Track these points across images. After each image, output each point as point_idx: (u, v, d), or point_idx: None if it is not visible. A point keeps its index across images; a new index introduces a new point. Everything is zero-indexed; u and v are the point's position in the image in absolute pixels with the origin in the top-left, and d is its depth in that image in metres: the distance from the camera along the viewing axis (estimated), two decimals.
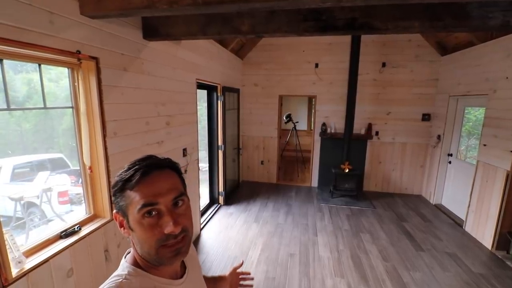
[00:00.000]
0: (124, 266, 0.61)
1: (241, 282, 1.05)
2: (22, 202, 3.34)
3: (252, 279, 1.08)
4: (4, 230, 1.27)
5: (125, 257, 0.65)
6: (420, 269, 2.86)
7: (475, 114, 5.83)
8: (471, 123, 5.86)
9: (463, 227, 3.75)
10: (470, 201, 3.63)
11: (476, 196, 3.51)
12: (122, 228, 0.61)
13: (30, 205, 3.55)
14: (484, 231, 3.35)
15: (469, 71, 3.86)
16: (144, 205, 0.55)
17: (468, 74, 3.88)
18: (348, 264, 2.95)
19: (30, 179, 3.70)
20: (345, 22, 1.78)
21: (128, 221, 0.58)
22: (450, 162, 4.45)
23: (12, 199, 3.24)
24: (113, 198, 0.60)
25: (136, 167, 0.57)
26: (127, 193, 0.56)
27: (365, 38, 4.73)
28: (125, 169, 0.59)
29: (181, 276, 0.68)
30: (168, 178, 0.60)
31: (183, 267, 0.71)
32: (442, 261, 3.01)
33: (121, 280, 0.57)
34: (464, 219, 3.78)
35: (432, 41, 4.57)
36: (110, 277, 0.59)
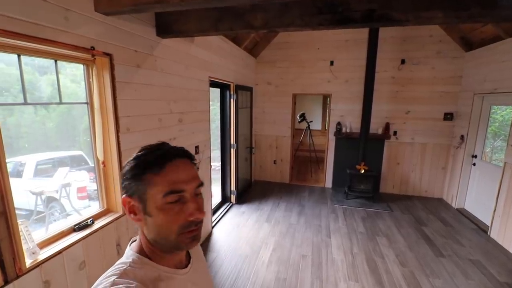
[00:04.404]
0: (129, 254, 0.60)
1: None
2: (42, 196, 3.47)
3: None
4: (19, 221, 1.30)
5: (130, 246, 0.64)
6: (440, 276, 2.71)
7: (502, 114, 5.50)
8: (497, 123, 5.53)
9: (488, 233, 3.53)
10: (496, 206, 3.41)
11: (503, 200, 3.29)
12: (131, 214, 0.59)
13: (50, 199, 3.69)
14: (511, 237, 3.13)
15: (496, 67, 3.63)
16: (172, 191, 0.55)
17: (495, 70, 3.64)
18: (363, 268, 2.84)
19: (51, 174, 3.84)
20: (362, 14, 1.70)
21: (145, 206, 0.56)
22: (474, 164, 4.21)
23: (33, 193, 3.37)
24: (125, 182, 0.57)
25: (158, 152, 0.58)
26: (149, 177, 0.56)
27: (383, 34, 4.57)
28: (142, 153, 0.58)
29: (186, 266, 0.67)
30: (189, 167, 0.60)
31: (188, 257, 0.71)
32: (465, 268, 2.83)
33: (125, 267, 0.56)
34: (489, 224, 3.56)
35: (455, 36, 4.34)
36: (115, 264, 0.58)
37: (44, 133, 3.83)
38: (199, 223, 0.59)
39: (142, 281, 0.55)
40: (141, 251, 0.61)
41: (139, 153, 0.59)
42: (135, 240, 0.65)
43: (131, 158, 0.59)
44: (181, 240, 0.57)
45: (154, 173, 0.55)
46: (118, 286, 0.52)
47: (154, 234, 0.58)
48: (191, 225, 0.57)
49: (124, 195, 0.58)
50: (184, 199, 0.57)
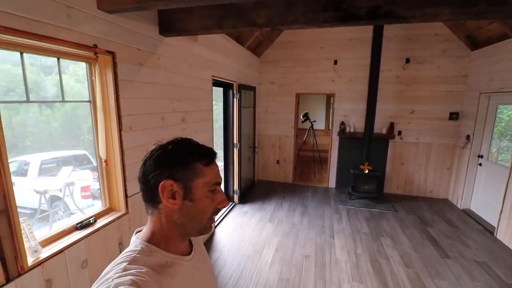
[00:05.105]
0: (137, 243, 0.62)
1: None
2: (46, 195, 3.48)
3: None
4: (21, 219, 1.29)
5: (135, 235, 0.66)
6: (446, 278, 2.67)
7: (509, 113, 5.41)
8: (503, 123, 5.45)
9: (494, 234, 3.48)
10: (502, 207, 3.36)
11: (510, 201, 3.23)
12: (169, 199, 0.61)
13: (54, 198, 3.70)
14: None
15: (503, 66, 3.57)
16: (216, 183, 0.65)
17: (502, 69, 3.59)
18: (367, 269, 2.81)
19: (55, 174, 3.86)
20: (367, 11, 1.67)
21: (188, 192, 0.61)
22: (480, 164, 4.15)
23: (37, 192, 3.39)
24: (165, 168, 0.61)
25: (204, 146, 0.66)
26: (199, 167, 0.62)
27: (388, 33, 4.53)
28: (188, 144, 0.65)
29: (189, 254, 0.71)
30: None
31: (190, 245, 0.74)
32: (471, 270, 2.79)
33: (134, 255, 0.59)
34: (495, 225, 3.50)
35: (461, 35, 4.28)
36: (123, 253, 0.60)
37: (49, 132, 3.86)
38: None
39: (152, 267, 0.58)
40: (149, 240, 0.63)
41: (180, 145, 0.65)
42: (140, 230, 0.67)
43: (173, 147, 0.64)
44: (207, 224, 0.66)
45: (204, 164, 0.63)
46: (130, 271, 0.54)
47: (188, 217, 0.63)
48: (217, 212, 0.67)
49: (166, 179, 0.60)
50: (216, 190, 0.65)
